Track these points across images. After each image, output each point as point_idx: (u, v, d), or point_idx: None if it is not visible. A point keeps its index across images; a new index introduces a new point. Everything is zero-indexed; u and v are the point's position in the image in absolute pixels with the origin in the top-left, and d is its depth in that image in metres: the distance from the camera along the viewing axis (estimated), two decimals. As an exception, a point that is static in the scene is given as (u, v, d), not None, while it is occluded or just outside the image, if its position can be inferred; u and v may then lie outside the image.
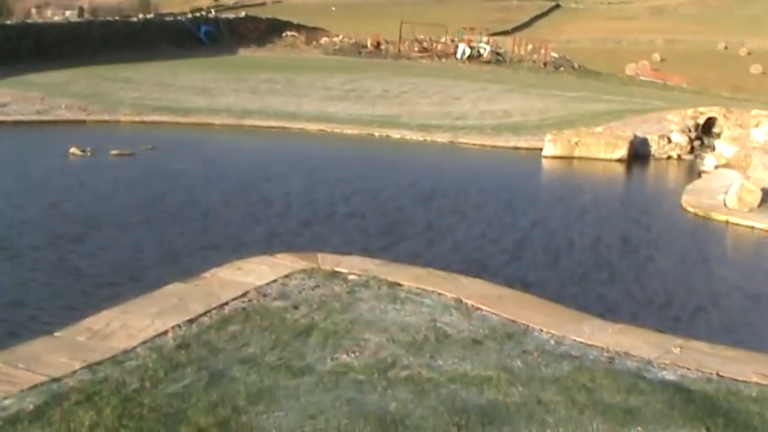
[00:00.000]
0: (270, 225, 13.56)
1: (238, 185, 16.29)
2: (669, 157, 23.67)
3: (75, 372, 6.59)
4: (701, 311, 10.75)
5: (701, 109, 27.18)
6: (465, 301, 9.07)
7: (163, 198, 14.88)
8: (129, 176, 16.63)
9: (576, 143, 22.45)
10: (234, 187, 16.10)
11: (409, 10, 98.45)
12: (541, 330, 8.32)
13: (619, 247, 13.69)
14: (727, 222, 15.49)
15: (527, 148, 23.31)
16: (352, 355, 7.23)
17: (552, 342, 8.02)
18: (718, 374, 7.46)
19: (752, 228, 15.16)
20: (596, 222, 15.37)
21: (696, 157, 23.69)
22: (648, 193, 20.28)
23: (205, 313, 8.08)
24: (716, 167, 21.38)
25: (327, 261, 10.29)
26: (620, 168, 21.78)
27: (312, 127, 24.44)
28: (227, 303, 8.41)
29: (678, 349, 8.04)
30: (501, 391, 6.64)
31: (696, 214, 16.10)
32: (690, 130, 25.19)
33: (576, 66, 57.93)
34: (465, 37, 58.11)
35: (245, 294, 8.73)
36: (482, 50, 54.78)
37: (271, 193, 15.79)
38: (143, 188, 15.72)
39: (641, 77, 61.00)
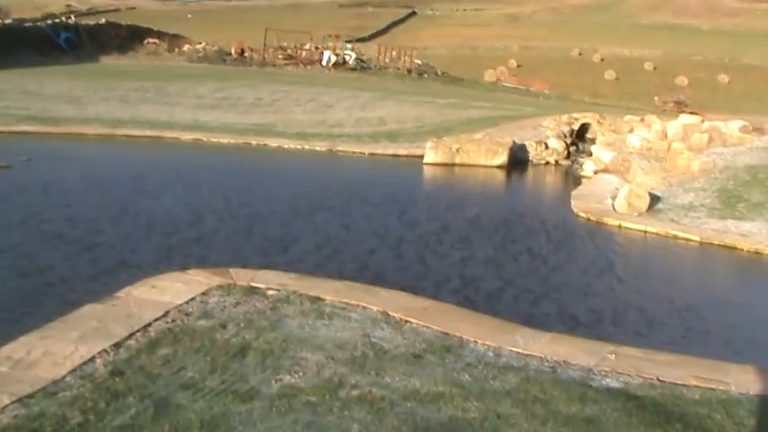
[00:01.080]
0: (160, 241, 12.92)
1: (122, 200, 15.53)
2: (547, 163, 24.12)
3: (5, 407, 6.09)
4: (624, 318, 10.83)
5: (575, 115, 27.89)
6: (392, 314, 8.90)
7: (52, 214, 14.10)
8: (10, 191, 15.77)
9: (457, 150, 22.60)
10: (117, 202, 15.34)
11: (266, 16, 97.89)
12: (476, 342, 8.22)
13: (526, 258, 13.65)
14: (620, 227, 15.80)
15: (407, 156, 23.37)
16: (296, 376, 6.95)
17: (491, 354, 7.93)
18: (658, 379, 7.52)
19: (644, 231, 15.51)
20: (495, 232, 15.36)
21: (573, 162, 24.19)
22: (537, 199, 20.48)
23: (130, 336, 7.66)
24: (595, 172, 21.87)
25: (241, 276, 9.96)
26: (502, 175, 22.03)
27: (187, 136, 23.86)
28: (150, 325, 8.00)
29: (613, 356, 8.08)
30: (458, 407, 6.49)
31: (589, 219, 16.38)
32: (565, 136, 25.76)
33: (439, 72, 58.66)
34: (330, 44, 58.11)
35: (166, 314, 8.33)
36: (347, 57, 54.84)
37: (156, 207, 15.18)
38: (30, 203, 14.85)
39: (504, 84, 62.24)
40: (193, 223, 14.25)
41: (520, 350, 8.07)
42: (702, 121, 23.46)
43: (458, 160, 22.45)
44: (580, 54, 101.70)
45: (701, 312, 11.33)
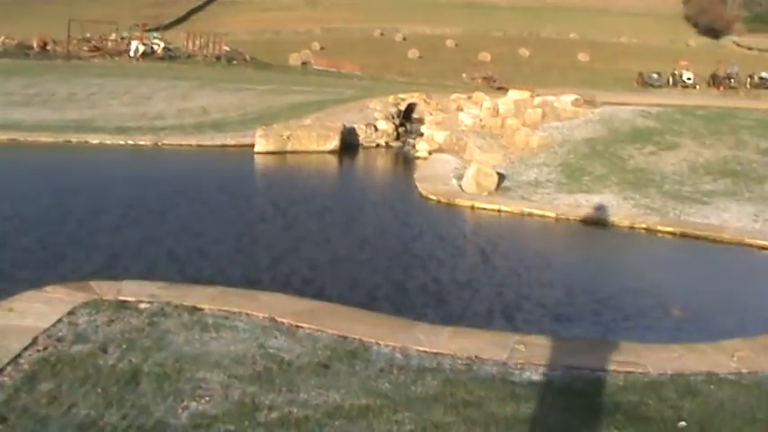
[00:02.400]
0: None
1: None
2: (378, 145, 23.92)
3: None
4: (523, 308, 10.59)
5: (401, 95, 27.77)
6: (280, 319, 8.32)
7: None
8: None
9: (288, 137, 22.08)
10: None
11: (61, 8, 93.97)
12: (379, 344, 7.77)
13: (391, 252, 12.99)
14: (473, 207, 15.64)
15: (236, 146, 22.62)
16: (203, 402, 6.28)
17: (399, 355, 7.50)
18: (576, 368, 7.26)
19: (499, 211, 15.40)
20: (350, 224, 14.83)
21: (404, 143, 24.04)
22: (381, 184, 20.14)
23: (1, 371, 6.77)
24: (429, 153, 21.74)
25: (105, 289, 9.09)
26: (335, 160, 21.65)
27: (1, 136, 22.22)
28: (20, 355, 7.08)
29: (522, 346, 7.79)
30: (390, 420, 5.99)
31: (439, 201, 16.17)
32: (393, 117, 25.58)
33: (248, 58, 57.78)
34: (136, 34, 56.25)
35: (35, 341, 7.42)
36: (155, 47, 53.18)
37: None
38: None
39: (315, 66, 61.85)
40: (21, 233, 12.83)
41: (427, 349, 7.66)
42: (533, 97, 23.72)
43: (289, 147, 21.93)
44: (382, 34, 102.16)
45: (609, 296, 11.19)
